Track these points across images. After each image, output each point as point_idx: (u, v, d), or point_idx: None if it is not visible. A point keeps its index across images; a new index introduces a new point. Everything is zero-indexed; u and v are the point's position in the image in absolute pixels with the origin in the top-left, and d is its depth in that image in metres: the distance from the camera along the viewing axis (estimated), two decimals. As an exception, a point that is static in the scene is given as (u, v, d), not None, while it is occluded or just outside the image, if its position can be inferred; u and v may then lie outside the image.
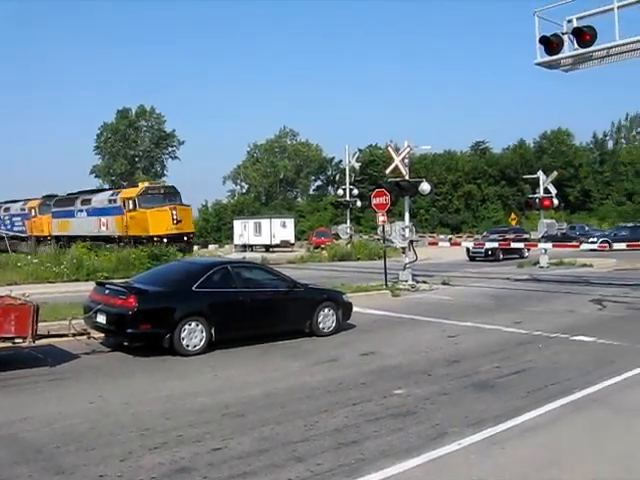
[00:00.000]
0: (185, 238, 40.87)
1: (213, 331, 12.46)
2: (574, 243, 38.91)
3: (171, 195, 43.40)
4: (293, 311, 14.11)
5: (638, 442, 7.47)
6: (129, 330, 12.00)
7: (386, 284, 22.71)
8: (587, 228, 60.17)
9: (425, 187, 24.21)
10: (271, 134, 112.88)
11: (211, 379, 10.62)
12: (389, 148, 26.16)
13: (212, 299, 12.78)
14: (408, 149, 24.39)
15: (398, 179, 24.07)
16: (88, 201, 47.64)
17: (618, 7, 17.54)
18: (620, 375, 10.40)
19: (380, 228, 24.06)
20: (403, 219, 24.61)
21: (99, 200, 46.55)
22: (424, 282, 24.34)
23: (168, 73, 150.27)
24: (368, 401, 9.02)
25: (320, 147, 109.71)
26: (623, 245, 29.85)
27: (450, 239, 50.95)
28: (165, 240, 37.70)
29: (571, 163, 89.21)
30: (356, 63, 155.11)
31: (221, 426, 7.97)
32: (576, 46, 18.43)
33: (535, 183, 35.82)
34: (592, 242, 38.97)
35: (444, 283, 24.53)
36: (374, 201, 24.10)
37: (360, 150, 79.69)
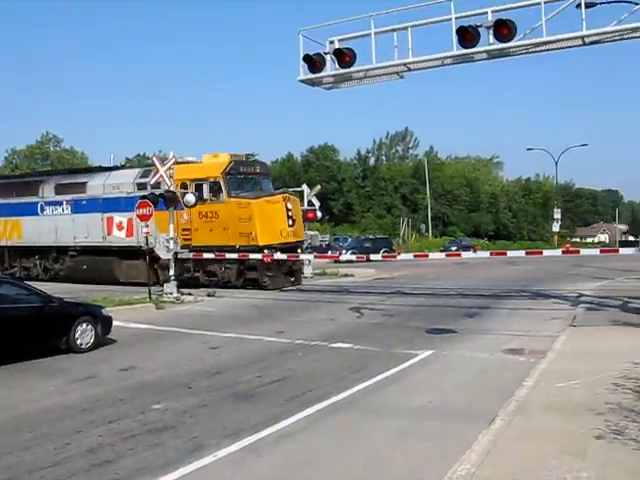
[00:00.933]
0: (299, 251, 27.57)
1: (-45, 352, 11.43)
2: (335, 254, 40.68)
3: (265, 177, 28.64)
4: (47, 327, 13.28)
5: (383, 439, 7.90)
6: None
7: (150, 297, 22.23)
8: (349, 240, 63.08)
9: (190, 198, 24.15)
10: (32, 140, 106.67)
11: (-49, 405, 9.76)
12: (154, 158, 25.66)
13: (-46, 317, 11.72)
14: (173, 160, 24.17)
15: (162, 190, 23.79)
16: (77, 187, 29.53)
17: (375, 33, 18.70)
18: (373, 378, 10.99)
19: (144, 240, 23.55)
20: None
21: (111, 184, 28.39)
22: (189, 294, 24.13)
23: None
24: (125, 418, 8.76)
25: (86, 155, 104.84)
26: (379, 256, 31.49)
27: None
28: (279, 254, 24.84)
29: (335, 177, 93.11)
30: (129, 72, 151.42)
31: (-42, 458, 7.31)
32: (337, 66, 19.34)
33: (300, 196, 36.81)
34: (343, 254, 40.93)
35: (209, 295, 24.47)
36: (138, 212, 23.49)
37: (128, 159, 78.04)
